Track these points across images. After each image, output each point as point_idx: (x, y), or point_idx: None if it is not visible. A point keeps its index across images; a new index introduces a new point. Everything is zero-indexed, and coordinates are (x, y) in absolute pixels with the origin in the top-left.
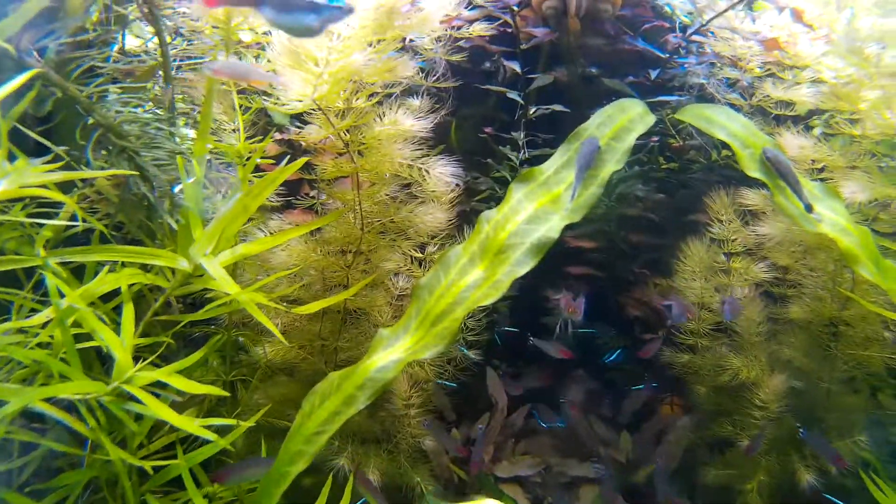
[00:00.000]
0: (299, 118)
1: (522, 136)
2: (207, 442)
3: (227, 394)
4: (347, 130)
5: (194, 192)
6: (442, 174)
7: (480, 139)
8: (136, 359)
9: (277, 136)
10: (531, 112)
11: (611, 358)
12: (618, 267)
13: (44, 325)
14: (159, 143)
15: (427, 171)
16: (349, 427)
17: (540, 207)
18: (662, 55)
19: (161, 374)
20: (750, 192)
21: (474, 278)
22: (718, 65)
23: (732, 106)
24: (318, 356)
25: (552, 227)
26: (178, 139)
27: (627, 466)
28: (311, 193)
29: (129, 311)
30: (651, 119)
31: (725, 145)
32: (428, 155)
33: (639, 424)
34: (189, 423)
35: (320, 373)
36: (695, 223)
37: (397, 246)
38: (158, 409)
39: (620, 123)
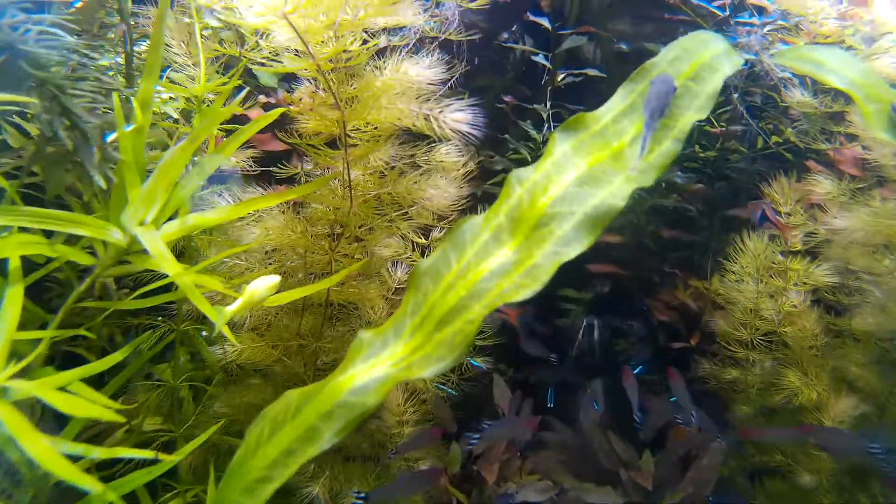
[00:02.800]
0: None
1: (548, 106)
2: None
3: (121, 419)
4: (334, 76)
5: (133, 143)
6: (458, 122)
7: (497, 113)
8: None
9: (263, 99)
10: (559, 79)
11: (633, 372)
12: (645, 265)
13: None
14: (85, 75)
15: (435, 119)
16: None
17: (595, 165)
18: (720, 13)
19: (36, 388)
20: (822, 179)
21: (500, 262)
22: (779, 34)
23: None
24: (296, 358)
25: (615, 192)
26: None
27: (652, 492)
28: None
29: (14, 296)
30: (739, 60)
31: (777, 130)
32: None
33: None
34: (59, 463)
35: (299, 378)
36: (733, 219)
37: (395, 227)
38: (21, 434)
39: (701, 59)
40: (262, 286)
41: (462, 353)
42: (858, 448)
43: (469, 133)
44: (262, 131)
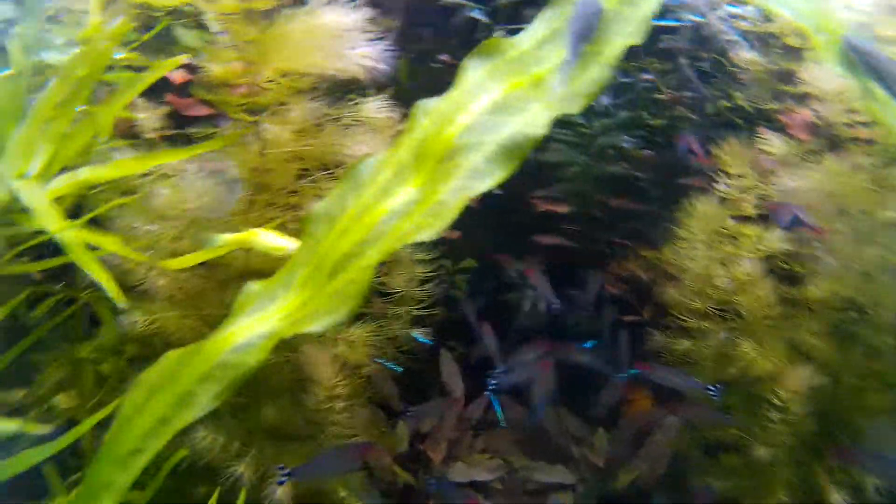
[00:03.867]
0: None
1: None
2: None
3: None
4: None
5: (12, 89)
6: (365, 56)
7: (436, 76)
8: None
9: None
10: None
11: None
12: (594, 237)
13: None
14: None
15: (340, 57)
16: (261, 418)
17: (512, 92)
18: None
19: None
20: (773, 138)
21: (402, 201)
22: None
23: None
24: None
25: (533, 120)
26: None
27: (605, 470)
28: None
29: None
30: None
31: (727, 96)
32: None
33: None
34: None
35: None
36: (683, 188)
37: (319, 188)
38: None
39: None
40: (272, 238)
41: (356, 304)
42: (695, 387)
43: (375, 67)
44: (185, 96)
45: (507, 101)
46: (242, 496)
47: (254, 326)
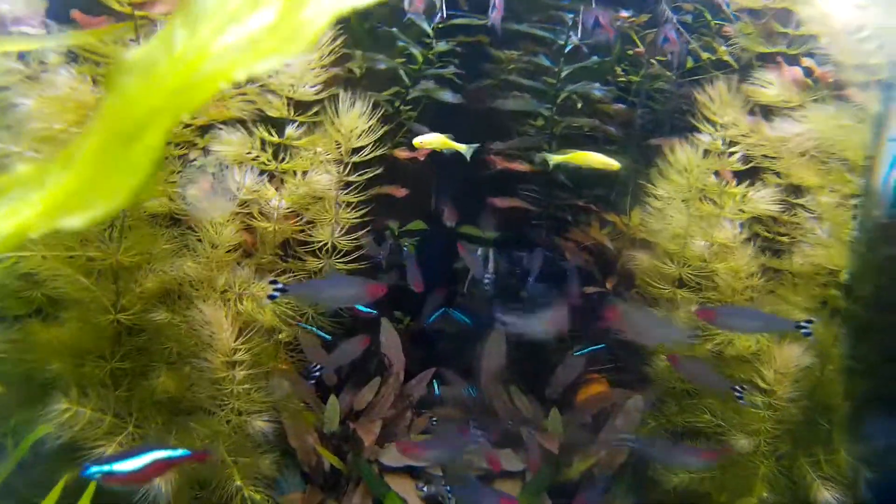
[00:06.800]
0: None
1: None
2: None
3: None
4: None
5: None
6: None
7: None
8: None
9: None
10: None
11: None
12: (556, 200)
13: None
14: None
15: None
16: (150, 389)
17: None
18: None
19: None
20: (772, 80)
21: (251, 29)
22: None
23: None
24: (104, 282)
25: None
26: None
27: (558, 457)
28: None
29: None
30: None
31: (707, 47)
32: None
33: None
34: None
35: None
36: (657, 150)
37: (227, 107)
38: None
39: None
40: None
41: (139, 180)
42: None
43: None
44: (97, 15)
45: None
46: (91, 489)
47: None
